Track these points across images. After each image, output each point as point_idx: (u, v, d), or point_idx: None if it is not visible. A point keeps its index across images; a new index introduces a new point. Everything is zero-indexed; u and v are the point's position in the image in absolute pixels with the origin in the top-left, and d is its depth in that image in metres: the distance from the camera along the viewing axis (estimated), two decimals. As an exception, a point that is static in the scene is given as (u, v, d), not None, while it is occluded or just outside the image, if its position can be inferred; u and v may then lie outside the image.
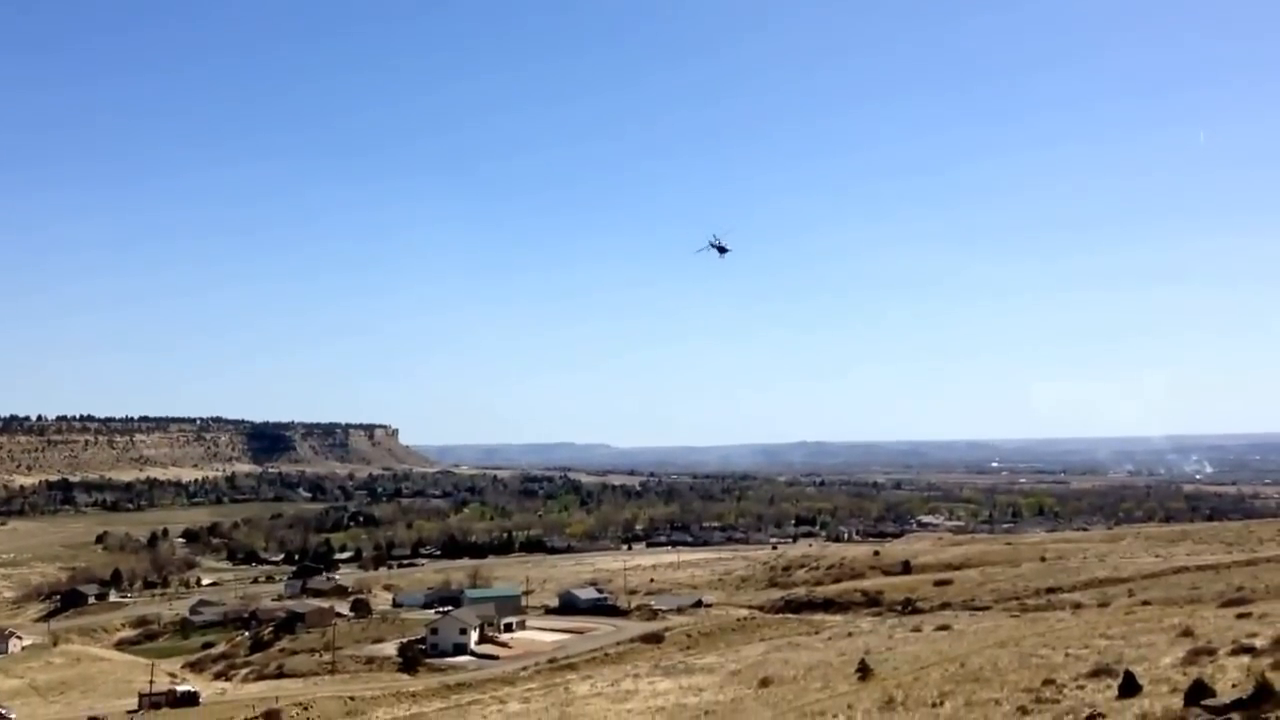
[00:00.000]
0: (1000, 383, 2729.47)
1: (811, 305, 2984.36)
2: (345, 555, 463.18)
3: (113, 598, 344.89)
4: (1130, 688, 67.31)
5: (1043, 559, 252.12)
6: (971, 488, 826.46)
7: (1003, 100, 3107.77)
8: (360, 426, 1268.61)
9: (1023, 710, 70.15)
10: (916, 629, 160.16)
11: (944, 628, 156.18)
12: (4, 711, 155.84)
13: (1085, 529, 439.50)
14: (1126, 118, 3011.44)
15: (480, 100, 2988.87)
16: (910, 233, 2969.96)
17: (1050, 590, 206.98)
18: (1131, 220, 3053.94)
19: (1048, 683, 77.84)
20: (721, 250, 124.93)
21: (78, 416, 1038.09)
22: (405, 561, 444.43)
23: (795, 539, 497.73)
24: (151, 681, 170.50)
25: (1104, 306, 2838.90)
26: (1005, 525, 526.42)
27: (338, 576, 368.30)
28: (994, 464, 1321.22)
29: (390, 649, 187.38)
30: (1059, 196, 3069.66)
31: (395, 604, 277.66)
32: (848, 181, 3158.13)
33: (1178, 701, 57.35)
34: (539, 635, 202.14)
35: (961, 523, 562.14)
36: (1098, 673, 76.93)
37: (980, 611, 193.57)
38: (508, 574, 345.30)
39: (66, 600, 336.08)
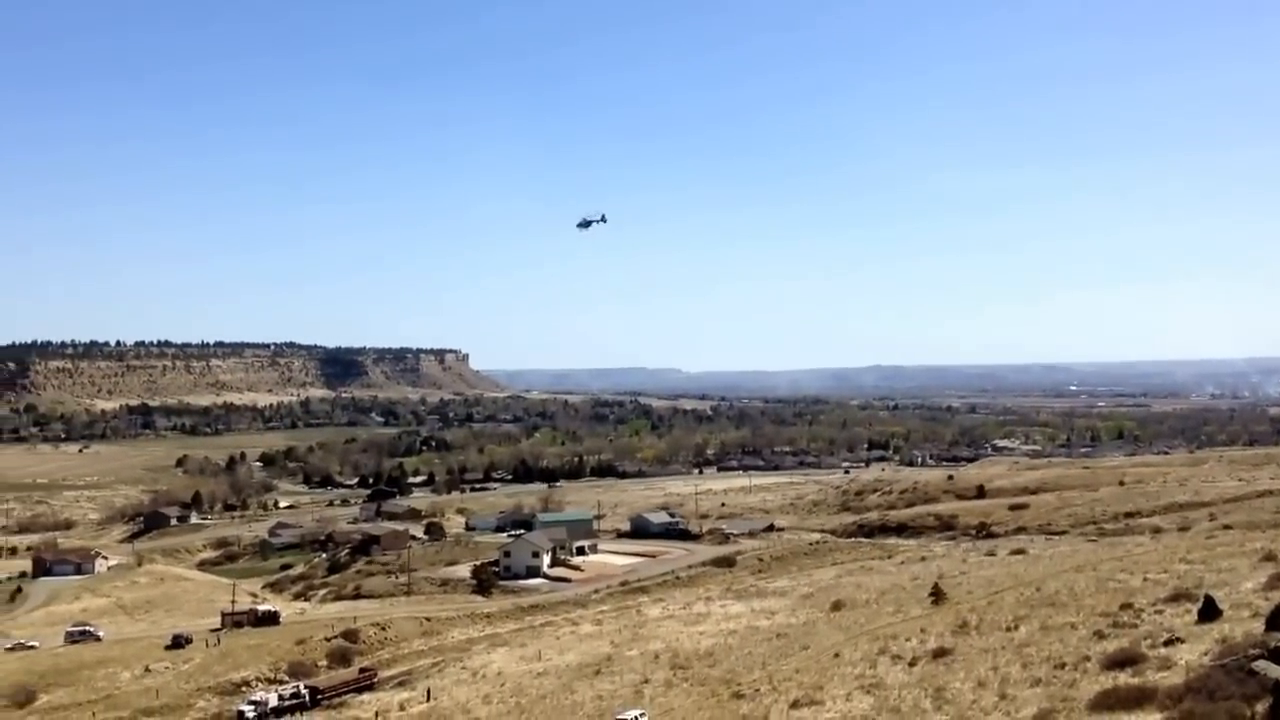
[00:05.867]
0: (1077, 305, 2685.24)
1: (884, 229, 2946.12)
2: (418, 479, 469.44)
3: (193, 520, 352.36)
4: (1210, 612, 65.93)
5: (1121, 483, 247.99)
6: (1048, 412, 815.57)
7: (1107, 20, 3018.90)
8: (431, 351, 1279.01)
9: (1100, 635, 69.07)
10: (990, 554, 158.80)
11: (1019, 552, 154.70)
12: (92, 629, 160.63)
13: (1166, 453, 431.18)
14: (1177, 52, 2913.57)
15: (557, 23, 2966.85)
16: (983, 155, 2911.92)
17: (1129, 515, 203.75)
18: (1199, 137, 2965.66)
19: (1125, 607, 76.63)
20: (598, 221, 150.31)
21: (155, 342, 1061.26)
22: (477, 486, 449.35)
23: (867, 463, 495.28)
24: (234, 601, 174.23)
25: (1182, 226, 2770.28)
26: (1083, 449, 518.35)
27: (411, 501, 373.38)
28: (1072, 387, 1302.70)
29: (464, 571, 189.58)
30: (1138, 118, 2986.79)
31: (468, 528, 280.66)
32: (916, 103, 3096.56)
33: (1259, 626, 55.52)
34: (610, 559, 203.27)
35: (1038, 447, 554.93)
36: (1177, 597, 75.64)
37: (1056, 536, 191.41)
38: (579, 498, 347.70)
39: (149, 522, 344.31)
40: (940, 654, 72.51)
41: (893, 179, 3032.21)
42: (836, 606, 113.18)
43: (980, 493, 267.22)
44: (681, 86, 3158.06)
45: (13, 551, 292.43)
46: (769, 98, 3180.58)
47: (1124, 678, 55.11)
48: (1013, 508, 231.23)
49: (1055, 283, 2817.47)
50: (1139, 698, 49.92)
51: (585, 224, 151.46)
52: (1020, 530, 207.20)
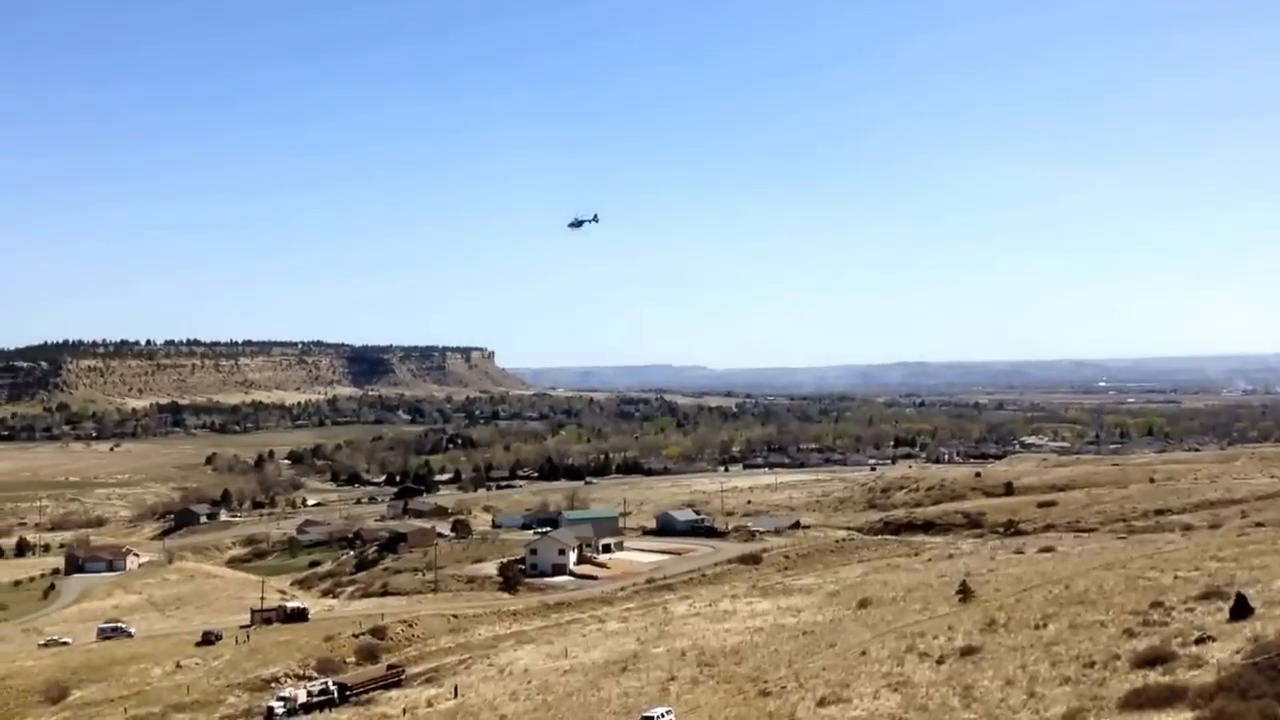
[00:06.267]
0: (1106, 300, 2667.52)
1: (910, 225, 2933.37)
2: (445, 477, 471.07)
3: (223, 517, 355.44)
4: (1242, 610, 65.43)
5: (1152, 480, 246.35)
6: (1077, 408, 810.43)
7: (1123, 18, 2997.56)
8: (457, 349, 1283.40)
9: (1129, 633, 68.66)
10: (1019, 551, 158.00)
11: (1048, 550, 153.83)
12: (124, 625, 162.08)
13: (1197, 449, 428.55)
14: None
15: (572, 25, 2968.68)
16: (1016, 149, 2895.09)
17: (1159, 512, 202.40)
18: (1230, 133, 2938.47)
19: (1156, 605, 76.16)
20: (590, 221, 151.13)
21: (185, 341, 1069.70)
22: (503, 483, 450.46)
23: (894, 460, 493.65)
24: (262, 598, 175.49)
25: (1213, 221, 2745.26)
26: (1112, 446, 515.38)
27: (438, 498, 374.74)
28: (1101, 383, 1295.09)
29: (490, 569, 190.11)
30: (1170, 114, 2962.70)
31: (494, 525, 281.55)
32: (950, 96, 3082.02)
33: (1295, 625, 54.78)
34: (636, 556, 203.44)
35: (1066, 444, 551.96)
36: (1208, 595, 75.10)
37: (1086, 534, 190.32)
38: (605, 496, 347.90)
39: (179, 519, 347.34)
40: (968, 652, 72.23)
41: (918, 175, 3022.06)
42: (863, 604, 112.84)
43: (1008, 490, 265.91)
44: (706, 86, 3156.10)
45: (46, 549, 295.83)
46: (793, 97, 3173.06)
47: (1154, 676, 54.84)
48: (1041, 505, 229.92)
49: (1084, 278, 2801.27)
50: (1170, 696, 49.66)
51: (577, 223, 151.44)
52: (1049, 528, 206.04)
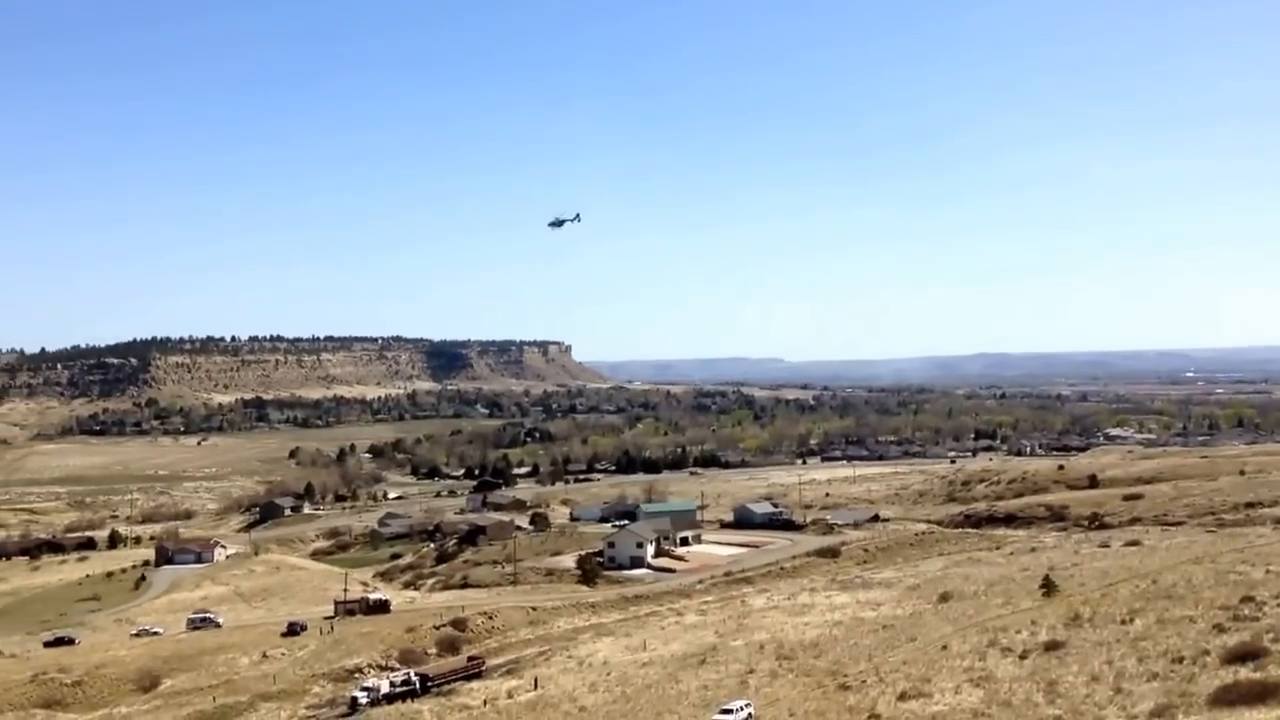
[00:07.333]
0: (1192, 288, 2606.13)
1: (990, 215, 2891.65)
2: (523, 471, 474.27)
3: (306, 510, 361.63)
4: (1339, 606, 63.77)
5: (1242, 472, 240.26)
6: (1163, 399, 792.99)
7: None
8: (534, 343, 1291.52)
9: (1219, 628, 67.28)
10: (1104, 545, 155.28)
11: (1134, 543, 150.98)
12: (212, 616, 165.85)
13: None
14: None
15: (648, 26, 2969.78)
16: (1102, 137, 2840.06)
17: (1250, 505, 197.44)
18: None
19: (1246, 600, 74.57)
20: (571, 220, 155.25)
21: (268, 337, 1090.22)
22: (581, 477, 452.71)
23: (974, 453, 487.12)
24: (345, 589, 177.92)
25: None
26: (1200, 438, 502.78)
27: (516, 491, 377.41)
28: (1188, 374, 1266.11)
29: (569, 561, 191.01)
30: (1246, 88, 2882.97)
31: (572, 518, 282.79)
32: (1017, 77, 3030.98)
33: (1393, 621, 53.23)
34: (714, 549, 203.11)
35: (1153, 435, 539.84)
36: (1303, 590, 73.34)
37: (1173, 527, 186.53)
38: (682, 489, 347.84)
39: (264, 512, 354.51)
40: (1052, 647, 71.26)
41: (999, 165, 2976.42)
42: (944, 598, 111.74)
43: (1092, 482, 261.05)
44: (799, 88, 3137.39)
45: (137, 541, 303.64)
46: (844, 78, 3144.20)
47: (1245, 672, 53.73)
48: (1127, 498, 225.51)
49: (1169, 265, 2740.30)
50: (1261, 693, 48.65)
51: (558, 223, 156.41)
52: (1135, 521, 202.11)
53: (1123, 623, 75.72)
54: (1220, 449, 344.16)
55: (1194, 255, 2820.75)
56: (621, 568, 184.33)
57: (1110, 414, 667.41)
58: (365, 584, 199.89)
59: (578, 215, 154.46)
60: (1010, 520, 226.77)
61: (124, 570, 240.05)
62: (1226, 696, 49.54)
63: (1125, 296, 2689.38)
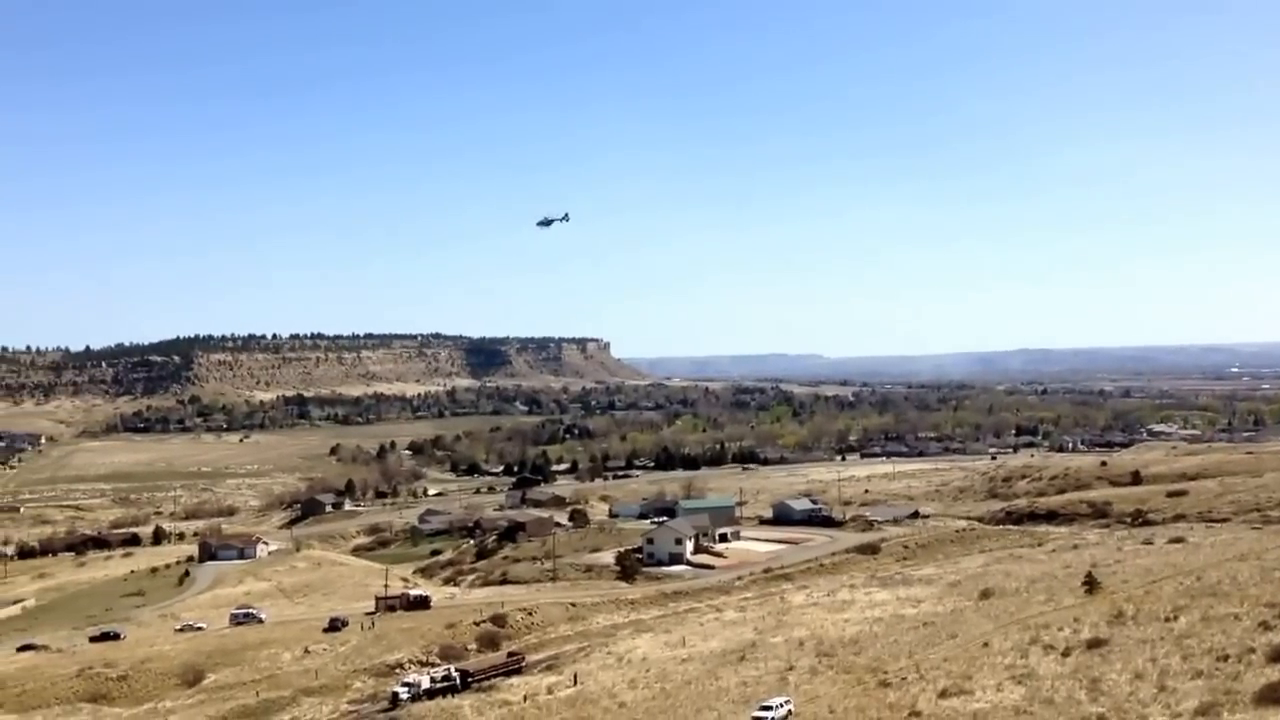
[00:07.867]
0: (1237, 283, 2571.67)
1: (1030, 211, 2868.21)
2: (562, 467, 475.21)
3: (347, 506, 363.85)
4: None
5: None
6: (1208, 394, 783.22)
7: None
8: (573, 340, 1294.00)
9: (1265, 626, 66.50)
10: (1147, 541, 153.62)
11: (1178, 540, 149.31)
12: (255, 611, 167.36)
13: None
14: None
15: (693, 21, 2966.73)
16: (1143, 132, 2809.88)
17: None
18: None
19: (1295, 598, 73.50)
20: (560, 220, 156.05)
21: (309, 335, 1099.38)
22: (620, 473, 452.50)
23: (1015, 449, 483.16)
24: (386, 585, 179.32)
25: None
26: (1246, 434, 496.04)
27: (555, 488, 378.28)
28: (1233, 369, 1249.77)
29: (608, 558, 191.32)
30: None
31: (611, 514, 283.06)
32: (1057, 75, 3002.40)
33: None
34: (753, 545, 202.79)
35: (1197, 431, 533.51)
36: (1352, 588, 72.29)
37: (1218, 524, 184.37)
38: (721, 485, 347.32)
39: (306, 509, 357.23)
40: (1095, 644, 70.70)
41: (1039, 160, 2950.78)
42: (985, 595, 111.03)
43: (1136, 479, 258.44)
44: (813, 74, 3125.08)
45: (180, 537, 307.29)
46: (881, 74, 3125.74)
47: (1292, 671, 52.99)
48: (1171, 494, 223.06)
49: (1214, 260, 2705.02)
50: (1309, 691, 48.02)
51: (546, 222, 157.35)
52: (1179, 518, 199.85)
53: (1167, 620, 74.99)
54: (1266, 445, 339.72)
55: (1239, 251, 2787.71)
56: (660, 564, 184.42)
57: (1154, 410, 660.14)
58: (405, 580, 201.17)
59: (566, 215, 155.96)
60: (1052, 517, 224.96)
61: (168, 566, 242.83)
62: (1273, 694, 49.00)
63: (1169, 292, 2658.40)
